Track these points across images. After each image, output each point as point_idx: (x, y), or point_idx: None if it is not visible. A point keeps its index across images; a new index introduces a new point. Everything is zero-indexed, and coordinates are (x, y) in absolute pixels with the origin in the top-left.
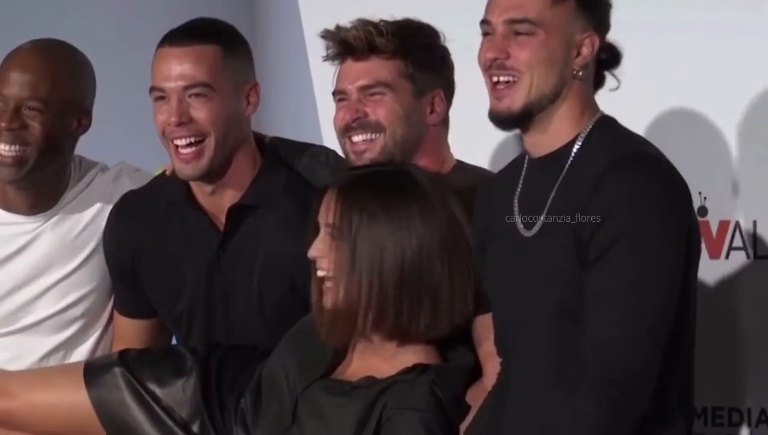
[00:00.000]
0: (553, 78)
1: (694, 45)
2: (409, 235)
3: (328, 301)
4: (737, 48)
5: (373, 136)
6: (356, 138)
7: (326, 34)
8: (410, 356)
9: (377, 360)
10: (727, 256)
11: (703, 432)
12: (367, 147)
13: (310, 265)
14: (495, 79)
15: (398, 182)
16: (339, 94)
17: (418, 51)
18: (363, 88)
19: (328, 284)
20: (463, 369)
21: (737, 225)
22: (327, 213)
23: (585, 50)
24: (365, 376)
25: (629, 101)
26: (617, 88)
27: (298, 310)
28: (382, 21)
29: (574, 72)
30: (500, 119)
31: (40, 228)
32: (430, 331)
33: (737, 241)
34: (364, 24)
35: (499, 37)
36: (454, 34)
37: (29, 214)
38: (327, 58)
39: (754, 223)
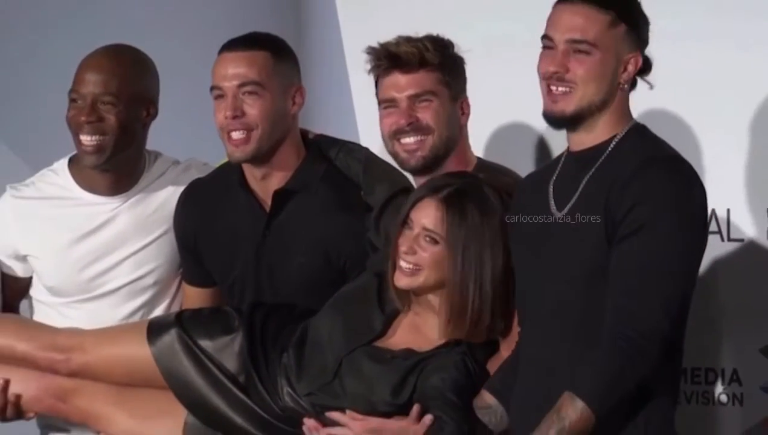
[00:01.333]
0: (603, 91)
1: (672, 53)
2: (497, 246)
3: (409, 283)
4: (709, 53)
5: (423, 137)
6: (406, 139)
7: (373, 50)
8: (447, 333)
9: (418, 336)
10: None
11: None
12: (418, 146)
13: (347, 244)
14: (553, 88)
15: (485, 197)
16: (387, 102)
17: (451, 62)
18: (413, 97)
19: (418, 275)
20: (489, 346)
21: (713, 212)
22: (428, 219)
23: (630, 67)
24: (405, 349)
25: None
26: (651, 88)
27: (332, 280)
28: (422, 38)
29: (620, 85)
30: (553, 120)
31: (118, 208)
32: (491, 327)
33: (713, 227)
34: (412, 41)
35: (560, 53)
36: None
37: (109, 195)
38: (374, 70)
39: (728, 211)
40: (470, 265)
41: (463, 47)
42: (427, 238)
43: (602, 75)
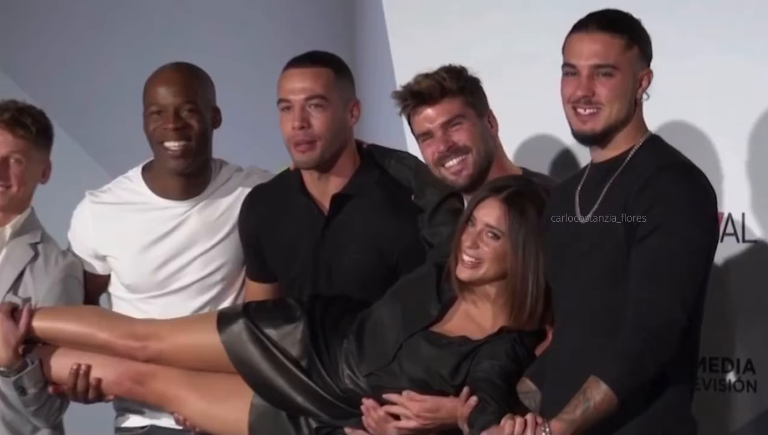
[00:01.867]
0: (625, 108)
1: (685, 66)
2: (540, 241)
3: (471, 275)
4: (722, 66)
5: (464, 156)
6: (449, 163)
7: (398, 94)
8: (499, 322)
9: (471, 325)
10: (722, 240)
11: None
12: (462, 167)
13: (401, 242)
14: (581, 110)
15: (538, 198)
16: (423, 135)
17: (469, 85)
18: (445, 124)
19: (481, 267)
20: (537, 335)
21: (729, 216)
22: (490, 216)
23: (645, 82)
24: (461, 336)
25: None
26: (647, 99)
27: (383, 275)
28: (438, 70)
29: (637, 99)
30: (584, 138)
31: (189, 212)
32: (542, 317)
33: (729, 229)
34: (429, 76)
35: (584, 78)
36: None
37: (180, 199)
38: (404, 111)
39: (743, 214)
40: (530, 258)
41: (503, 64)
42: (490, 234)
43: (624, 94)
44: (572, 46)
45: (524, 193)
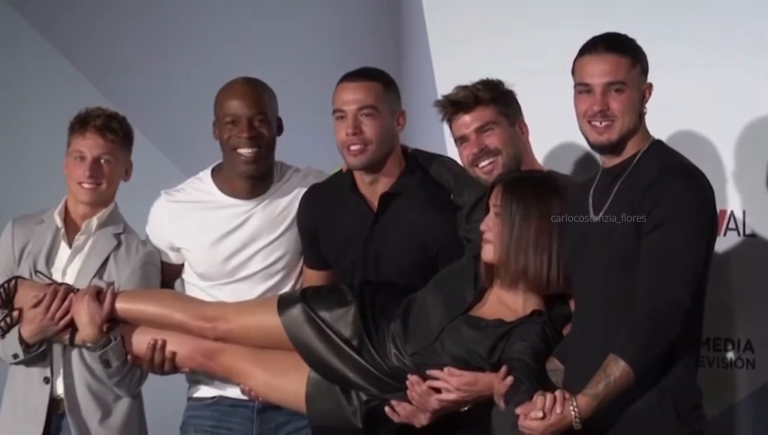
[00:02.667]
0: (635, 118)
1: (689, 77)
2: (547, 220)
3: (486, 255)
4: (722, 76)
5: (495, 158)
6: (482, 163)
7: (439, 103)
8: (529, 306)
9: (505, 308)
10: (725, 234)
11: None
12: (492, 167)
13: (442, 236)
14: (596, 123)
15: (545, 182)
16: (460, 139)
17: (502, 96)
18: (478, 129)
19: (489, 248)
20: (564, 315)
21: (731, 213)
22: (495, 199)
23: (647, 94)
24: (496, 319)
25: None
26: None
27: (424, 265)
28: (475, 83)
29: (643, 110)
30: (602, 148)
31: (253, 209)
32: (549, 284)
33: (731, 224)
34: (466, 87)
35: (599, 95)
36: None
37: (246, 199)
38: (444, 117)
39: (743, 212)
40: (525, 234)
41: (535, 75)
42: (494, 214)
43: (633, 106)
44: (584, 67)
45: (525, 179)
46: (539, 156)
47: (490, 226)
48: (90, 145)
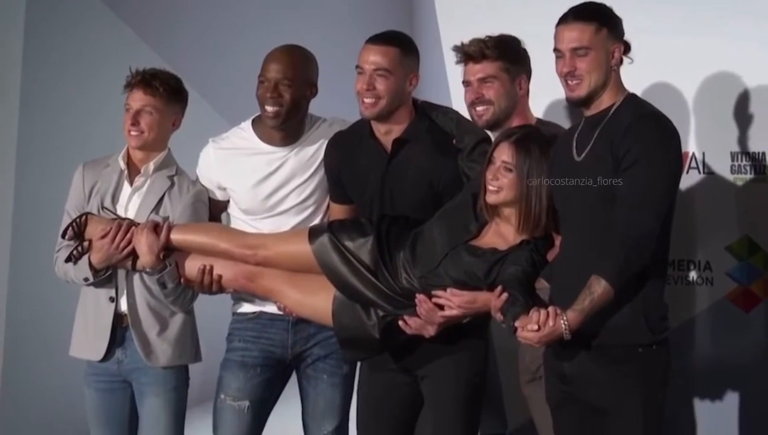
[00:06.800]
0: (602, 76)
1: (662, 41)
2: (547, 170)
3: (496, 199)
4: (687, 41)
5: (488, 107)
6: (478, 108)
7: (455, 48)
8: (519, 238)
9: (500, 239)
10: (687, 172)
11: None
12: (484, 113)
13: (446, 175)
14: (569, 82)
15: (543, 138)
16: (465, 83)
17: (509, 54)
18: (480, 79)
19: (501, 193)
20: (549, 243)
21: (693, 154)
22: (505, 154)
23: (616, 54)
24: (491, 247)
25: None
26: (632, 62)
27: (431, 200)
28: (486, 37)
29: (612, 68)
30: (573, 102)
31: (287, 155)
32: (540, 225)
33: (693, 164)
34: (479, 41)
35: (568, 59)
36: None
37: (281, 146)
38: (458, 62)
39: (703, 153)
40: (533, 184)
41: (538, 41)
42: (504, 168)
43: (599, 65)
44: (557, 35)
45: (529, 137)
46: (549, 110)
47: (498, 177)
48: (134, 98)
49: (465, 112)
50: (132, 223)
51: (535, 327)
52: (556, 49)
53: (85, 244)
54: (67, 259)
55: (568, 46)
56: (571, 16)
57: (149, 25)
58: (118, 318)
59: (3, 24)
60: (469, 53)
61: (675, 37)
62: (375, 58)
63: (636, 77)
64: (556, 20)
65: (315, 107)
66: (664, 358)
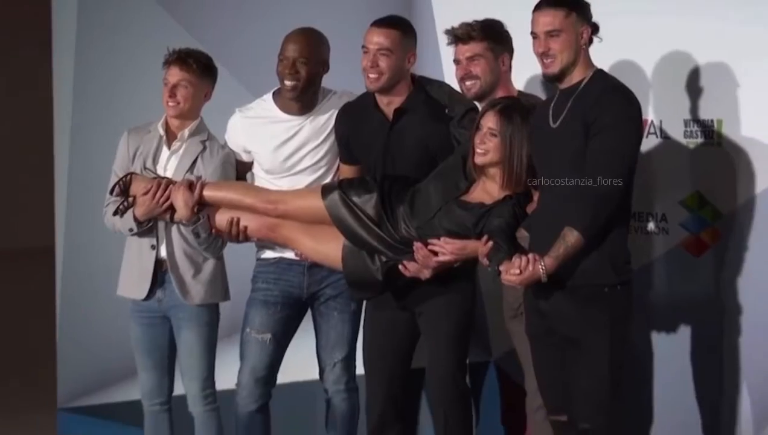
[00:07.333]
0: (572, 54)
1: (629, 23)
2: (527, 135)
3: (483, 161)
4: (647, 23)
5: (475, 81)
6: (467, 83)
7: (447, 32)
8: (502, 193)
9: (486, 195)
10: (647, 137)
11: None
12: (471, 87)
13: (439, 140)
14: (544, 60)
15: (523, 107)
16: (456, 62)
17: (493, 35)
18: (468, 58)
19: (487, 155)
20: (529, 198)
21: (652, 121)
22: (490, 122)
23: (584, 35)
24: (478, 202)
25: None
26: (601, 42)
27: (427, 161)
28: (473, 21)
29: (581, 47)
30: (548, 78)
31: (303, 122)
32: (521, 182)
33: (652, 130)
34: (467, 24)
35: (542, 41)
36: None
37: (298, 115)
38: (449, 43)
39: (660, 121)
40: (515, 147)
41: (520, 24)
42: (490, 134)
43: (569, 46)
44: (533, 20)
45: (511, 106)
46: (529, 84)
47: (484, 142)
48: (171, 74)
49: (456, 86)
50: (170, 182)
51: (517, 271)
52: (532, 32)
53: (130, 199)
54: (115, 213)
55: (543, 29)
56: (545, 3)
57: (184, 10)
58: (159, 263)
59: (59, 17)
60: (458, 35)
61: (637, 18)
62: (378, 39)
63: (603, 54)
64: (533, 7)
65: (326, 81)
66: (627, 296)
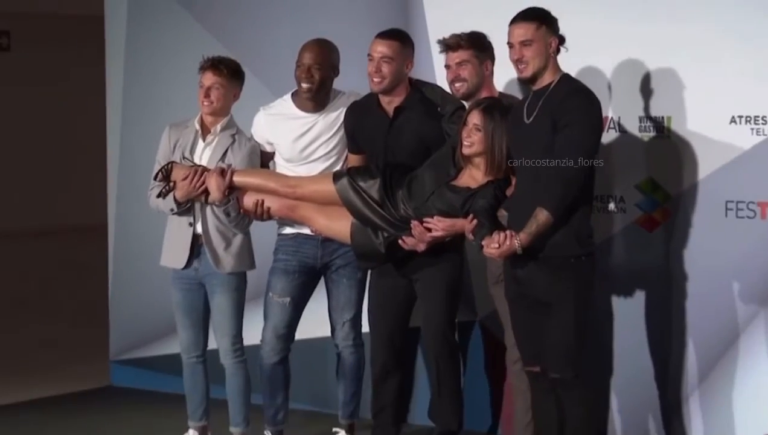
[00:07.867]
0: (542, 61)
1: (589, 32)
2: (506, 129)
3: (469, 151)
4: (606, 29)
5: (463, 83)
6: (456, 85)
7: (439, 42)
8: (485, 179)
9: (472, 180)
10: (607, 131)
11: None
12: (460, 87)
13: (433, 133)
14: (519, 66)
15: (503, 106)
16: (447, 67)
17: (478, 45)
18: (457, 63)
19: (473, 147)
20: (508, 183)
21: (612, 118)
22: (475, 118)
23: (553, 45)
24: (465, 186)
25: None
26: (567, 51)
27: (422, 152)
28: (461, 33)
29: (551, 55)
30: (523, 80)
31: (317, 118)
32: (501, 169)
33: (612, 124)
34: (456, 35)
35: (517, 49)
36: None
37: (312, 112)
38: (441, 51)
39: (619, 117)
40: (496, 140)
41: (500, 34)
42: (475, 129)
43: (540, 54)
44: (509, 32)
45: (493, 105)
46: (508, 86)
47: (470, 135)
48: (206, 78)
49: (447, 87)
50: (205, 169)
51: (496, 245)
52: (508, 42)
53: (171, 184)
54: (158, 195)
55: (517, 39)
56: (519, 17)
57: (216, 23)
58: (195, 237)
59: (111, 30)
60: (448, 44)
61: (598, 29)
62: (381, 48)
63: (569, 61)
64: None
65: (337, 83)
66: (591, 266)
